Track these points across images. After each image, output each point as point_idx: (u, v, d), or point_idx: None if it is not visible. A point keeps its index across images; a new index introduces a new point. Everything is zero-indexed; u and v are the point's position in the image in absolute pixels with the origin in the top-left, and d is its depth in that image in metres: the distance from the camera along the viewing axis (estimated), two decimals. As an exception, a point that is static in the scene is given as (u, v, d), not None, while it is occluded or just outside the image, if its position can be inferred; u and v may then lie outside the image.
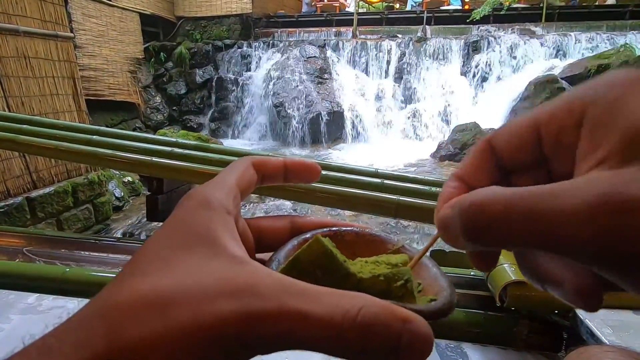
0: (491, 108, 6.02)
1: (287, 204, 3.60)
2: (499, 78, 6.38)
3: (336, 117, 6.41)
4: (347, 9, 9.28)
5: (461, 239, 0.17)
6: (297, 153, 5.97)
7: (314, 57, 6.96)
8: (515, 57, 6.37)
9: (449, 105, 6.39)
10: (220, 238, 0.17)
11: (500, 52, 6.45)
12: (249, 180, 0.22)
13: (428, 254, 0.23)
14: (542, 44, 6.38)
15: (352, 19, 7.71)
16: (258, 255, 0.24)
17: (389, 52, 6.96)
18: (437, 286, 0.21)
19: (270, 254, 0.23)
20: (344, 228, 0.25)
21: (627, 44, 5.45)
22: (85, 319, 0.15)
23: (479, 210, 0.16)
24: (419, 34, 7.34)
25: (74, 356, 0.13)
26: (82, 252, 0.78)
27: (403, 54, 6.89)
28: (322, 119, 6.35)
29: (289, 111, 6.44)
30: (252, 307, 0.14)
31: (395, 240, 0.25)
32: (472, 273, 0.66)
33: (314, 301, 0.14)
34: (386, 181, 0.66)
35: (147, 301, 0.14)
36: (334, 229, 0.25)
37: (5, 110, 2.82)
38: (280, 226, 0.25)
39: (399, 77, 6.84)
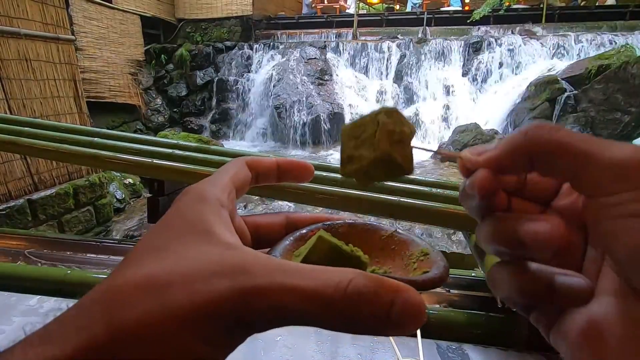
0: (492, 109, 6.02)
1: (286, 205, 3.60)
2: (499, 79, 6.38)
3: (337, 119, 6.41)
4: (347, 11, 9.29)
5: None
6: (298, 154, 5.97)
7: (315, 58, 6.96)
8: (515, 58, 6.37)
9: (449, 106, 6.38)
10: (213, 227, 0.18)
11: (501, 52, 6.45)
12: (244, 178, 0.23)
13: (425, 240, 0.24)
14: (542, 45, 6.37)
15: (353, 21, 7.72)
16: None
17: (389, 53, 6.97)
18: (430, 261, 0.21)
19: (267, 250, 0.23)
20: (338, 221, 0.25)
21: (628, 44, 5.44)
22: (84, 305, 0.15)
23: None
24: (419, 35, 7.35)
25: (75, 339, 0.14)
26: (84, 254, 0.78)
27: (403, 55, 6.89)
28: (322, 120, 6.34)
29: (289, 112, 6.44)
30: (245, 283, 0.15)
31: (387, 228, 0.25)
32: (472, 274, 0.66)
33: (305, 276, 0.15)
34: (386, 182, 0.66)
35: (143, 285, 0.15)
36: (327, 223, 0.25)
37: (6, 113, 2.83)
38: (276, 222, 0.25)
39: (399, 78, 6.84)
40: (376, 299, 0.14)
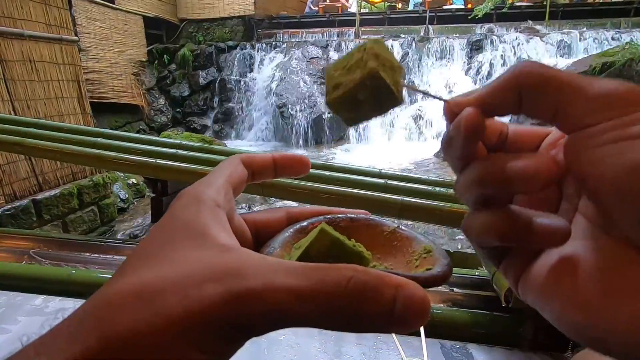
0: (495, 107, 5.99)
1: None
2: (502, 77, 6.35)
3: (339, 118, 6.40)
4: (349, 10, 9.27)
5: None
6: (300, 153, 5.95)
7: (317, 57, 6.96)
8: (519, 56, 6.33)
9: (452, 104, 6.36)
10: (209, 229, 0.17)
11: (504, 50, 6.42)
12: (239, 176, 0.22)
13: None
14: (546, 42, 6.34)
15: (355, 20, 7.71)
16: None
17: (392, 51, 6.94)
18: (432, 258, 0.21)
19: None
20: (339, 215, 0.25)
21: (632, 41, 5.39)
22: (78, 315, 0.15)
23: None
24: (421, 34, 7.33)
25: (68, 351, 0.13)
26: (88, 254, 0.79)
27: (406, 54, 6.87)
28: (324, 119, 6.34)
29: (292, 112, 6.45)
30: (238, 287, 0.14)
31: (390, 223, 0.24)
32: (476, 273, 0.66)
33: (302, 276, 0.14)
34: (390, 181, 0.66)
35: (135, 293, 0.15)
36: (328, 216, 0.25)
37: (11, 114, 2.85)
38: (276, 218, 0.25)
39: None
40: (378, 296, 0.14)
